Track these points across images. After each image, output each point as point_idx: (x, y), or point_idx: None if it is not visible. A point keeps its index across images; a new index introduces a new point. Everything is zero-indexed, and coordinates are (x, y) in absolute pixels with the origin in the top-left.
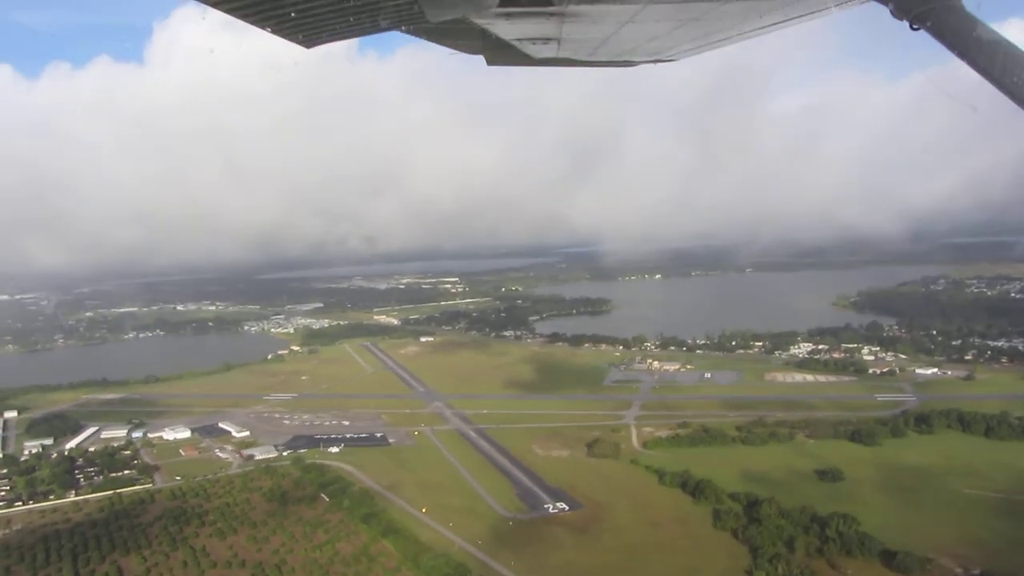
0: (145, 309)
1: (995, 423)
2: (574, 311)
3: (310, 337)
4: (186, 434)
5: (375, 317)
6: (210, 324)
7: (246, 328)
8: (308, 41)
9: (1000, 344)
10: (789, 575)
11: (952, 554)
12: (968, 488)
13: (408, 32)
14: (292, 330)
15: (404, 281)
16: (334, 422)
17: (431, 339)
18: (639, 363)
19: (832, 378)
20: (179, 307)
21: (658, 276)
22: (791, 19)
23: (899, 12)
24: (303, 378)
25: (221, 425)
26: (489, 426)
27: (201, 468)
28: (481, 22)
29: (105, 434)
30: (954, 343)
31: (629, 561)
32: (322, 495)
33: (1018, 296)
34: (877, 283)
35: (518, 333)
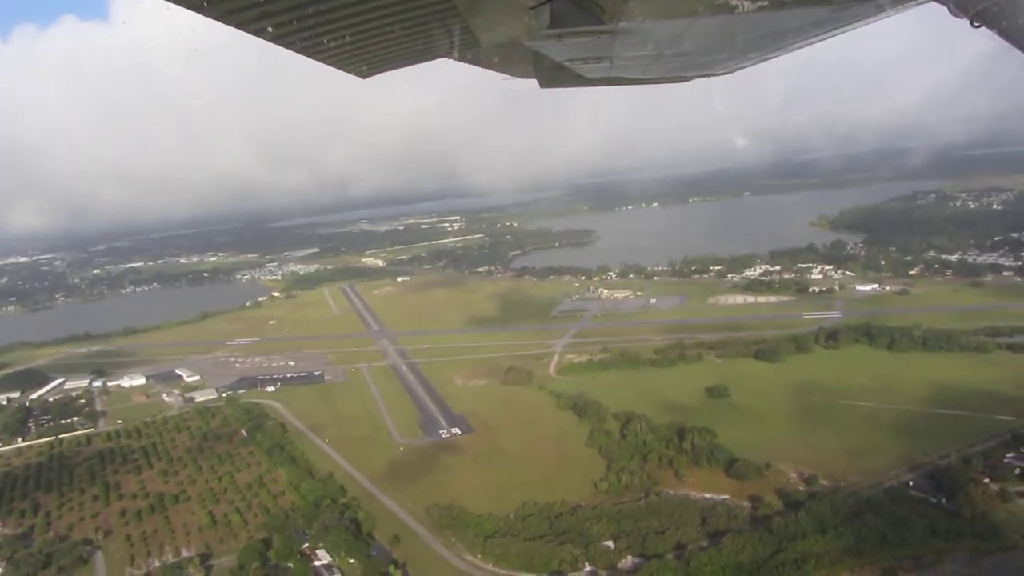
0: (150, 263)
1: (898, 336)
2: (556, 244)
3: (296, 283)
4: (141, 381)
5: (363, 260)
6: (205, 275)
7: (238, 277)
8: (365, 73)
9: (950, 258)
10: (630, 484)
11: (795, 460)
12: (842, 400)
13: (462, 59)
14: (280, 277)
15: (406, 223)
16: (281, 363)
17: (407, 279)
18: (591, 293)
19: (772, 299)
20: (183, 260)
21: (655, 204)
22: (846, 26)
23: (958, 10)
24: (271, 323)
25: (177, 371)
26: (423, 360)
27: (144, 412)
28: (533, 45)
29: (69, 384)
30: (907, 259)
31: (491, 477)
32: (241, 431)
33: (999, 207)
34: (871, 200)
35: (491, 269)
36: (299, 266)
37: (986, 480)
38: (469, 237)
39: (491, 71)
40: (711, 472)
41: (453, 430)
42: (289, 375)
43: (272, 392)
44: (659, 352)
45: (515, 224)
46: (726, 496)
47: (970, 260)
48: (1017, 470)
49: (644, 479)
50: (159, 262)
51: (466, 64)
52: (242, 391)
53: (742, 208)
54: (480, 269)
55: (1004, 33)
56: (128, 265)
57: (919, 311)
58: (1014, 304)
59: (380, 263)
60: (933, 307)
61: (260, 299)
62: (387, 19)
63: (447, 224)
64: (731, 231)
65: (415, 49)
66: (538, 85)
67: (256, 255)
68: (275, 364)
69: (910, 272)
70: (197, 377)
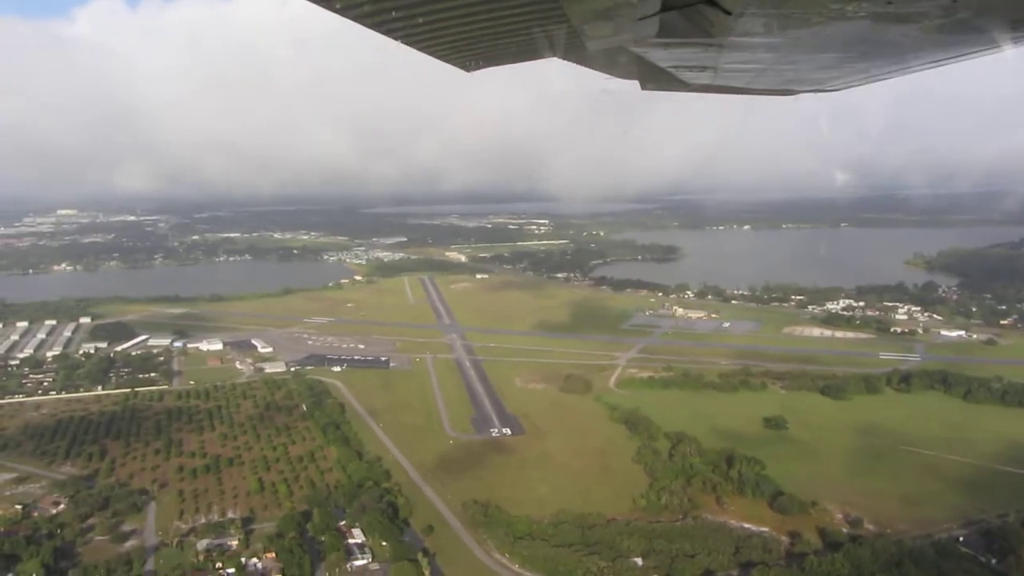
0: (246, 235)
1: (976, 386)
2: (640, 258)
3: (379, 269)
4: (218, 346)
5: (447, 254)
6: (295, 252)
7: (325, 257)
8: (469, 66)
9: None
10: (669, 504)
11: (843, 501)
12: (904, 446)
13: (565, 59)
14: (364, 261)
15: (495, 221)
16: (351, 345)
17: (486, 277)
18: (665, 310)
19: (850, 335)
20: (276, 235)
21: (747, 227)
22: (963, 55)
23: None
24: (348, 305)
25: (252, 341)
26: (487, 358)
27: (216, 376)
28: (638, 50)
29: (152, 342)
30: (1001, 307)
31: (533, 480)
32: (302, 406)
33: None
34: (972, 243)
35: (570, 276)
36: (385, 253)
37: None
38: (554, 242)
39: (594, 70)
40: (754, 503)
41: (504, 430)
42: (356, 357)
43: (338, 372)
44: (723, 376)
45: (602, 233)
46: (766, 528)
47: None
48: None
49: (684, 501)
50: (254, 235)
51: (570, 63)
52: (310, 367)
53: (836, 239)
54: (559, 275)
55: None
56: (225, 235)
57: (1003, 363)
58: None
59: (463, 258)
60: (1020, 360)
61: (342, 281)
62: (495, 16)
63: (535, 227)
64: (820, 261)
65: (520, 47)
66: (639, 86)
67: (346, 238)
68: (345, 345)
69: (1001, 322)
70: (270, 349)
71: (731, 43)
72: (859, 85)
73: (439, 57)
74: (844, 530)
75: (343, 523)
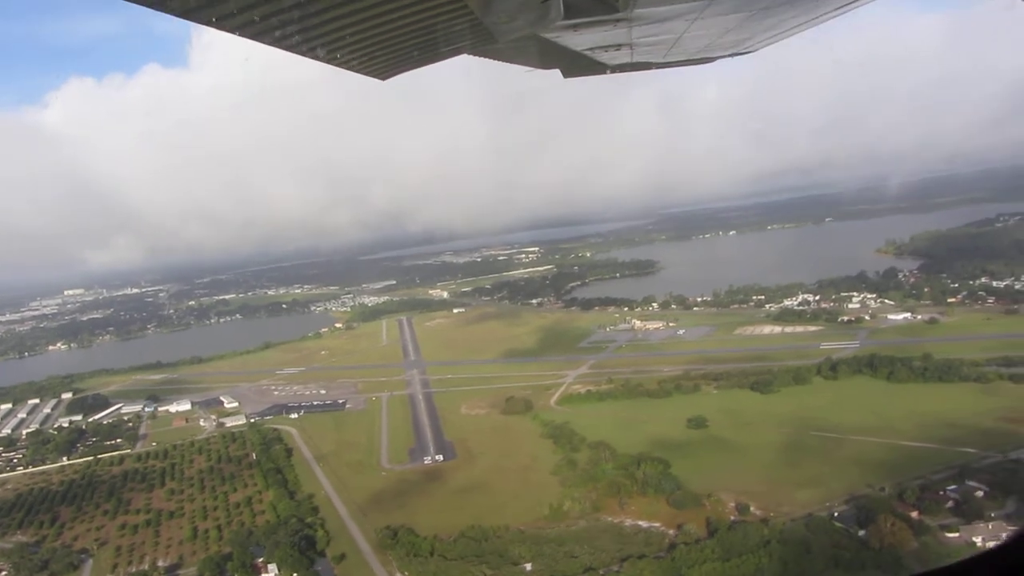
0: (240, 295)
1: (899, 367)
2: (617, 275)
3: (362, 314)
4: (186, 407)
5: (430, 292)
6: (284, 306)
7: (312, 308)
8: (383, 74)
9: (999, 284)
10: (571, 510)
11: (739, 491)
12: (814, 431)
13: (480, 55)
14: (349, 308)
15: (486, 254)
16: (314, 391)
17: (462, 310)
18: (626, 324)
19: (799, 329)
20: (270, 292)
21: (732, 232)
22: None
23: None
24: (322, 353)
25: (220, 398)
26: (440, 390)
27: (179, 435)
28: (550, 36)
29: (126, 409)
30: (954, 286)
31: (451, 501)
32: (252, 455)
33: None
34: (952, 224)
35: (543, 301)
36: (371, 298)
37: (914, 512)
38: (537, 268)
39: (513, 64)
40: (654, 501)
41: (437, 457)
42: (315, 403)
43: (294, 419)
44: (660, 383)
45: (588, 255)
46: (657, 524)
47: (1017, 287)
48: (950, 503)
49: (586, 506)
50: (249, 294)
51: (486, 59)
52: (269, 417)
53: (818, 235)
54: (533, 301)
55: None
56: (220, 297)
57: (937, 340)
58: None
59: (445, 295)
60: (956, 336)
61: (322, 330)
62: (399, 20)
63: (523, 255)
64: (792, 259)
65: (431, 48)
66: (561, 76)
67: (337, 287)
68: (308, 392)
69: (949, 300)
70: (235, 404)
71: (639, 16)
72: (772, 43)
73: (351, 68)
74: (732, 517)
75: (260, 560)
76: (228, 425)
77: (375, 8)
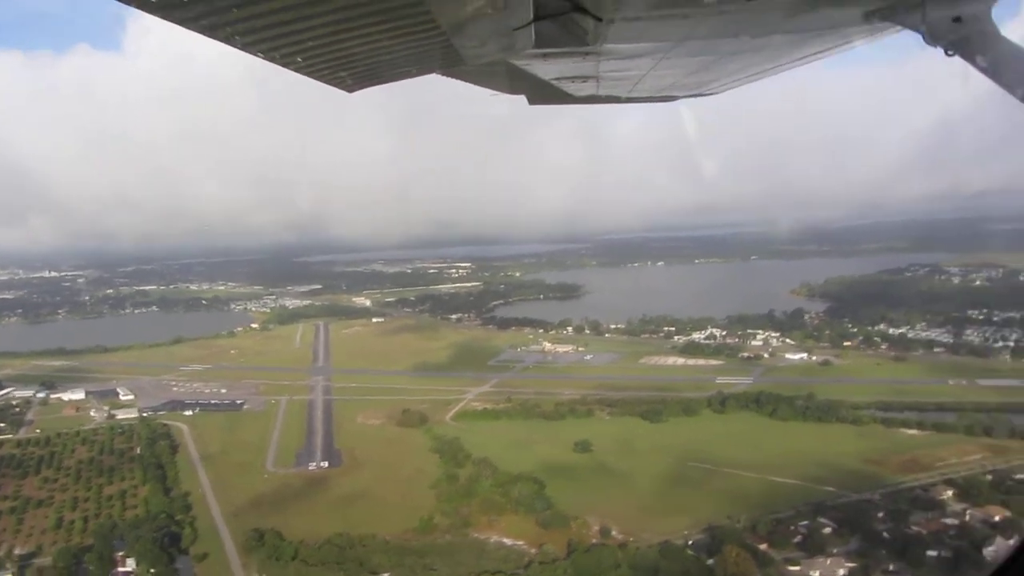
0: (162, 287)
1: (782, 404)
2: (541, 296)
3: (281, 316)
4: (80, 395)
5: (354, 299)
6: (204, 302)
7: (232, 306)
8: (350, 86)
9: (894, 332)
10: (441, 524)
11: (607, 514)
12: (694, 461)
13: (449, 75)
14: (269, 309)
15: (419, 266)
16: (215, 389)
17: (381, 320)
18: (538, 345)
19: (701, 362)
20: (193, 286)
21: (660, 263)
22: (826, 50)
23: (932, 39)
24: (232, 352)
25: (117, 389)
26: (343, 398)
27: (66, 424)
28: (519, 63)
29: (17, 393)
30: (853, 330)
31: (328, 507)
32: (136, 449)
33: (979, 284)
34: (866, 270)
35: (462, 317)
36: (294, 300)
37: (763, 544)
38: (465, 284)
39: (480, 87)
40: (523, 520)
41: (322, 463)
42: (213, 401)
43: (188, 416)
44: (557, 405)
45: (518, 274)
46: (521, 542)
47: (909, 335)
48: (798, 537)
49: (457, 521)
50: (171, 287)
51: (454, 79)
52: (163, 412)
53: (741, 272)
54: (452, 316)
55: (976, 62)
56: (140, 287)
57: (828, 381)
58: (921, 380)
59: (368, 303)
60: (843, 378)
61: (236, 329)
62: (371, 34)
63: (455, 270)
64: (712, 293)
65: (401, 65)
66: (527, 102)
67: (261, 287)
68: (208, 390)
69: (845, 343)
70: (131, 396)
71: (607, 50)
72: (734, 87)
73: (317, 78)
74: (594, 540)
75: (120, 554)
76: (119, 417)
77: (347, 21)
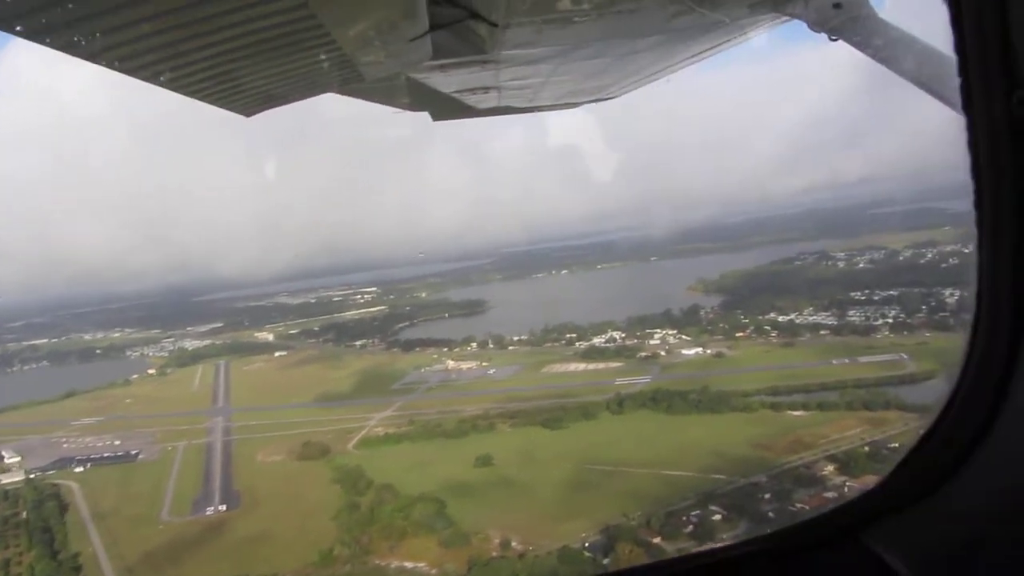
0: (54, 340)
1: (676, 400)
2: (446, 315)
3: (180, 359)
4: None
5: (256, 335)
6: (98, 351)
7: (128, 354)
8: (247, 110)
9: (782, 319)
10: (341, 555)
11: (507, 527)
12: (590, 464)
13: (347, 93)
14: (167, 353)
15: (323, 294)
16: (108, 442)
17: (284, 354)
18: (441, 364)
19: (601, 366)
20: (87, 336)
21: (564, 271)
22: (718, 45)
23: (816, 26)
24: (127, 401)
25: (1, 452)
26: (242, 436)
27: None
28: (418, 77)
29: None
30: (744, 320)
31: (223, 552)
32: (23, 513)
33: (863, 267)
34: (759, 262)
35: (367, 343)
36: (193, 342)
37: (656, 538)
38: (370, 309)
39: (380, 105)
40: (425, 541)
41: (220, 507)
42: (106, 455)
43: (79, 472)
44: (459, 422)
45: (423, 295)
46: (423, 564)
47: (797, 321)
48: (690, 527)
49: (357, 550)
50: (63, 338)
51: (352, 98)
52: (51, 472)
53: (642, 273)
54: (357, 343)
55: (858, 44)
56: (29, 342)
57: (721, 373)
58: (807, 363)
59: (271, 337)
60: (735, 369)
61: (132, 377)
62: (265, 54)
63: (360, 296)
64: (613, 297)
65: (298, 84)
66: (430, 118)
67: (159, 331)
68: (101, 444)
69: (737, 335)
70: (17, 458)
71: (505, 58)
72: (632, 89)
73: (213, 102)
74: (494, 554)
75: None
76: (3, 482)
77: (238, 40)
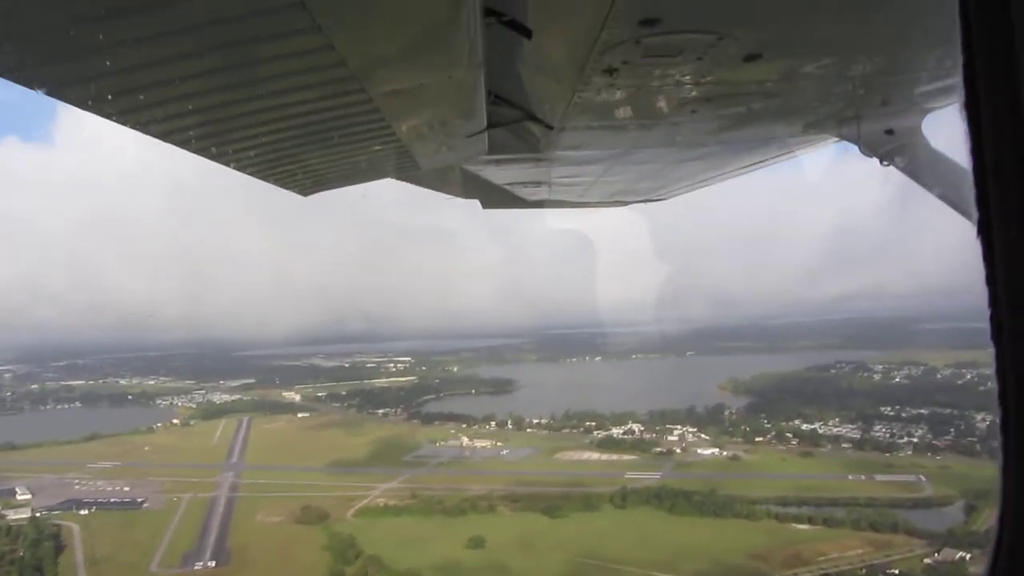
0: (90, 382)
1: (680, 500)
2: (473, 391)
3: (206, 411)
4: None
5: (284, 394)
6: (129, 397)
7: (157, 401)
8: (305, 190)
9: (805, 427)
10: None
11: None
12: (581, 557)
13: (404, 179)
14: (195, 405)
15: (357, 359)
16: (118, 487)
17: (306, 415)
18: (456, 440)
19: (615, 456)
20: (123, 381)
21: (598, 358)
22: (769, 159)
23: (868, 149)
24: (145, 448)
25: (16, 488)
26: (247, 494)
27: None
28: (473, 168)
29: None
30: (767, 425)
31: None
32: (20, 551)
33: (900, 381)
34: (794, 366)
35: (389, 412)
36: (223, 395)
37: None
38: (400, 379)
39: (434, 191)
40: None
41: (210, 563)
42: (112, 500)
43: (83, 515)
44: (463, 501)
45: (455, 369)
46: None
47: (820, 431)
48: None
49: None
50: (100, 381)
51: (409, 184)
52: (57, 512)
53: (675, 367)
54: (380, 411)
55: (908, 171)
56: (66, 382)
57: (733, 476)
58: (823, 475)
59: (297, 398)
60: (748, 473)
61: (156, 425)
62: (326, 140)
63: (393, 365)
64: (641, 388)
65: (355, 169)
66: (480, 206)
67: (193, 381)
68: (111, 488)
69: (757, 439)
70: (28, 496)
71: (558, 157)
72: (683, 192)
73: (274, 182)
74: None
75: None
76: (10, 517)
77: (301, 127)
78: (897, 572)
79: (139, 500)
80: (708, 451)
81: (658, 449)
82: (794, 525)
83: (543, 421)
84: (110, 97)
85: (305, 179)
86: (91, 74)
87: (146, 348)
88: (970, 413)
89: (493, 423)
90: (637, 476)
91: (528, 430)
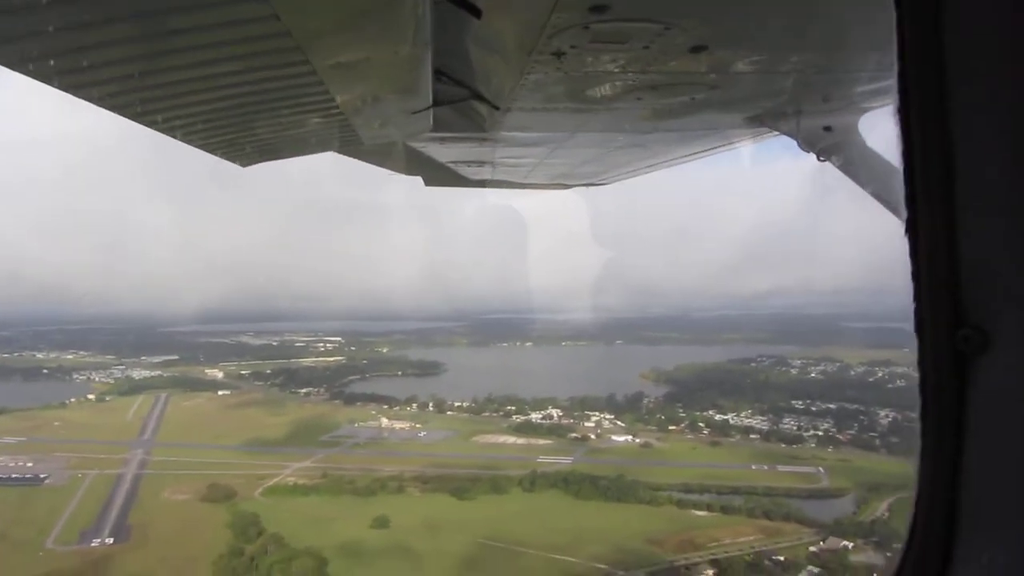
0: (6, 355)
1: (587, 484)
2: (400, 373)
3: (125, 387)
4: None
5: (206, 371)
6: (44, 371)
7: (74, 376)
8: (246, 161)
9: (717, 417)
10: None
11: None
12: (483, 539)
13: (346, 154)
14: (113, 380)
15: (287, 338)
16: (22, 463)
17: (227, 393)
18: (375, 421)
19: (531, 441)
20: (39, 354)
21: (528, 344)
22: (710, 149)
23: (806, 145)
24: (55, 424)
25: None
26: (155, 472)
27: None
28: (416, 145)
29: None
30: (682, 414)
31: None
32: None
33: (815, 376)
34: (719, 358)
35: (311, 391)
36: (143, 372)
37: None
38: (327, 359)
39: (376, 166)
40: None
41: (108, 540)
42: (13, 476)
43: None
44: (373, 481)
45: (383, 350)
46: None
47: (731, 421)
48: None
49: None
50: (15, 355)
51: (349, 157)
52: None
53: (603, 355)
54: (302, 391)
55: (843, 167)
56: None
57: (642, 464)
58: (728, 464)
59: (220, 375)
60: (657, 461)
61: (69, 400)
62: (267, 112)
63: (322, 344)
64: (565, 374)
65: (297, 142)
66: (423, 183)
67: (113, 357)
68: (13, 464)
69: (670, 427)
70: None
71: (503, 138)
72: (623, 178)
73: (211, 151)
74: None
75: None
76: None
77: (243, 97)
78: (782, 559)
79: (41, 476)
80: (622, 438)
81: (573, 435)
82: (693, 511)
83: (464, 404)
84: (52, 63)
85: (246, 150)
86: (25, 34)
87: (66, 321)
88: (874, 410)
89: (414, 405)
90: (549, 460)
91: (449, 413)
